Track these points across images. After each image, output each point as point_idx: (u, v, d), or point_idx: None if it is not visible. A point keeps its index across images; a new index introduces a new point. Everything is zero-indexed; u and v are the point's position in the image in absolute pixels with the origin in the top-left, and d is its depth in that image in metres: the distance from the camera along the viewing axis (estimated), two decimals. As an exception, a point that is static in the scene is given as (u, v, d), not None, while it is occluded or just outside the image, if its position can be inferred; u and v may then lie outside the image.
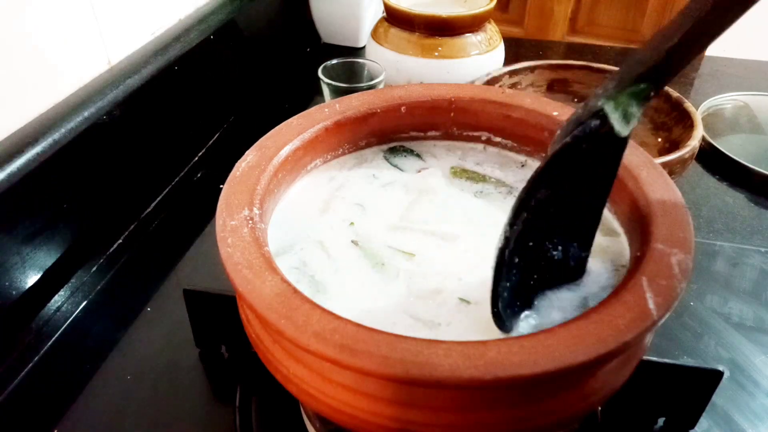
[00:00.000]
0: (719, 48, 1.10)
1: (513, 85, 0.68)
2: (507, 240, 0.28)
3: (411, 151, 0.42)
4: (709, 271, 0.53)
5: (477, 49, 0.67)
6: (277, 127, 0.37)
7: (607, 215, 0.36)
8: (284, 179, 0.36)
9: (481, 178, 0.40)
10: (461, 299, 0.31)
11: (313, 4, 0.90)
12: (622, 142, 0.27)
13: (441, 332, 0.29)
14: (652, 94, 0.26)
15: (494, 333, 0.29)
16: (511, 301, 0.29)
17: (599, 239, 0.34)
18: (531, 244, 0.29)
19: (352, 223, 0.36)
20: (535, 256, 0.29)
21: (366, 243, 0.34)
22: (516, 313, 0.29)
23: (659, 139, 0.62)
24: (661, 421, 0.40)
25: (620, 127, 0.26)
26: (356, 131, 0.40)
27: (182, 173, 0.65)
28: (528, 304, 0.30)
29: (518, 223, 0.28)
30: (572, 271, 0.31)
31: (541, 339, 0.24)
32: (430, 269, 0.33)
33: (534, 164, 0.41)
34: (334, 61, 0.64)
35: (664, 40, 0.24)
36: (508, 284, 0.28)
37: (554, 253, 0.30)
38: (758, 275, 0.53)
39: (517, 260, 0.28)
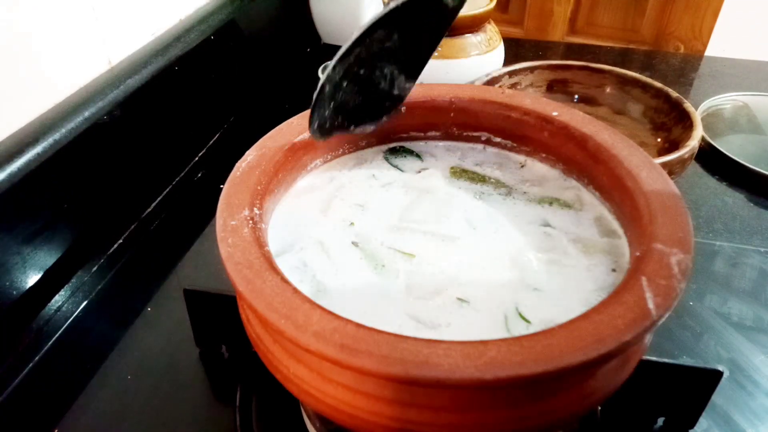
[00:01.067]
0: (719, 48, 1.10)
1: (513, 86, 0.68)
2: (335, 67, 0.33)
3: (411, 152, 0.42)
4: (709, 271, 0.53)
5: (477, 50, 0.67)
6: (277, 127, 0.37)
7: (607, 215, 0.36)
8: (284, 179, 0.36)
9: (481, 179, 0.40)
10: (460, 299, 0.31)
11: (313, 4, 0.90)
12: (450, 11, 0.34)
13: (441, 333, 0.29)
14: None
15: (495, 333, 0.29)
16: (331, 118, 0.35)
17: (598, 239, 0.34)
18: (361, 72, 0.34)
19: (352, 224, 0.36)
20: (363, 82, 0.34)
21: (366, 244, 0.34)
22: (330, 130, 0.36)
23: (659, 140, 0.62)
24: (660, 421, 0.40)
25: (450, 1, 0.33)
26: (356, 131, 0.40)
27: (183, 173, 0.65)
28: (345, 126, 0.37)
29: (351, 56, 0.33)
30: (394, 100, 0.38)
31: (541, 339, 0.24)
32: (429, 270, 0.33)
33: (534, 164, 0.41)
34: (334, 62, 0.64)
35: None
36: (331, 104, 0.34)
37: (381, 81, 0.35)
38: (758, 275, 0.53)
39: (344, 84, 0.34)
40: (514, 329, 0.29)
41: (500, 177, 0.40)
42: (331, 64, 0.33)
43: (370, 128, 0.38)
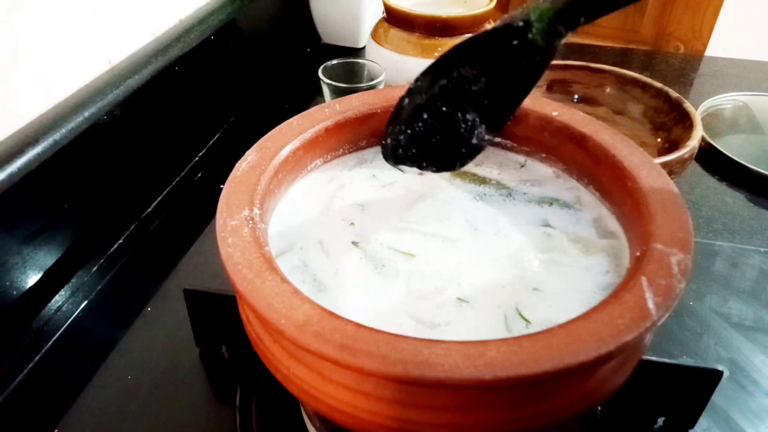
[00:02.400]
0: (719, 48, 1.10)
1: (513, 86, 0.68)
2: (412, 91, 0.32)
3: (411, 152, 0.42)
4: (709, 271, 0.53)
5: (477, 50, 0.67)
6: (277, 127, 0.37)
7: (607, 215, 0.36)
8: (285, 179, 0.36)
9: (482, 180, 0.40)
10: (460, 299, 0.31)
11: (313, 4, 0.90)
12: (542, 52, 0.30)
13: (441, 332, 0.29)
14: (582, 20, 0.29)
15: (495, 333, 0.29)
16: (406, 145, 0.34)
17: (598, 239, 0.34)
18: (444, 109, 0.32)
19: (352, 224, 0.36)
20: (443, 120, 0.33)
21: (366, 244, 0.34)
22: (402, 159, 0.35)
23: (659, 140, 0.62)
24: (660, 421, 0.40)
25: (540, 38, 0.30)
26: (356, 131, 0.40)
27: (183, 173, 0.65)
28: (417, 162, 0.36)
29: (435, 86, 0.31)
30: (470, 150, 0.35)
31: (541, 339, 0.24)
32: (429, 270, 0.33)
33: (534, 164, 0.41)
34: (335, 62, 0.64)
35: None
36: (408, 131, 0.33)
37: (462, 125, 0.33)
38: (758, 275, 0.53)
39: (425, 116, 0.32)
40: (514, 329, 0.29)
41: (500, 178, 0.40)
42: (416, 78, 0.32)
43: (441, 172, 0.38)
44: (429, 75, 0.33)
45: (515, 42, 0.31)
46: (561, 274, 0.32)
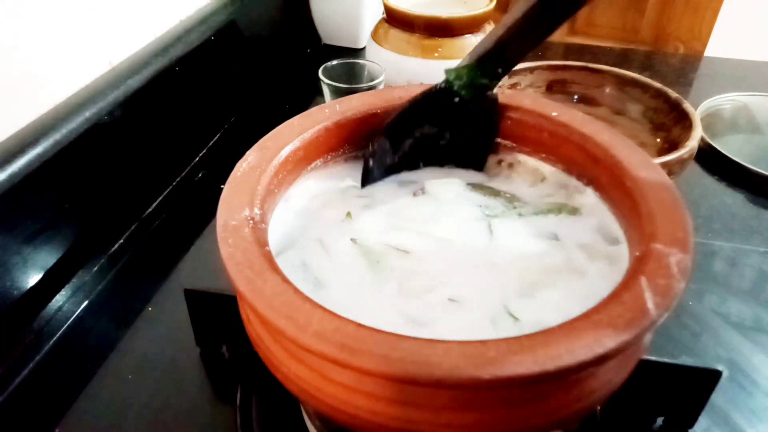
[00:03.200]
0: (718, 48, 1.10)
1: (512, 86, 0.68)
2: (374, 152, 0.37)
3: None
4: (708, 271, 0.53)
5: (477, 50, 0.67)
6: (277, 128, 0.37)
7: (607, 216, 0.36)
8: (285, 179, 0.36)
9: (479, 185, 0.40)
10: (450, 299, 0.31)
11: (313, 4, 0.90)
12: (480, 101, 0.36)
13: (429, 330, 0.29)
14: (500, 71, 0.34)
15: (484, 333, 0.29)
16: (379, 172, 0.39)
17: (595, 241, 0.34)
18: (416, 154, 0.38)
19: (352, 221, 0.36)
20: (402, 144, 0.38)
21: (364, 241, 0.34)
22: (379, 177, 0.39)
23: (658, 140, 0.62)
24: (660, 421, 0.40)
25: (465, 93, 0.35)
26: (357, 132, 0.40)
27: (183, 173, 0.65)
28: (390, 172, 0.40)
29: (402, 145, 0.37)
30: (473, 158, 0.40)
31: (541, 339, 0.24)
32: (421, 268, 0.33)
33: (533, 164, 0.41)
34: (335, 62, 0.64)
35: (497, 29, 0.31)
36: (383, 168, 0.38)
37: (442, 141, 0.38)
38: (757, 275, 0.53)
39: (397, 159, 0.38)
40: (503, 329, 0.29)
41: (500, 180, 0.40)
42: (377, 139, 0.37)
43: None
44: (387, 137, 0.36)
45: (450, 100, 0.35)
46: (558, 277, 0.32)
